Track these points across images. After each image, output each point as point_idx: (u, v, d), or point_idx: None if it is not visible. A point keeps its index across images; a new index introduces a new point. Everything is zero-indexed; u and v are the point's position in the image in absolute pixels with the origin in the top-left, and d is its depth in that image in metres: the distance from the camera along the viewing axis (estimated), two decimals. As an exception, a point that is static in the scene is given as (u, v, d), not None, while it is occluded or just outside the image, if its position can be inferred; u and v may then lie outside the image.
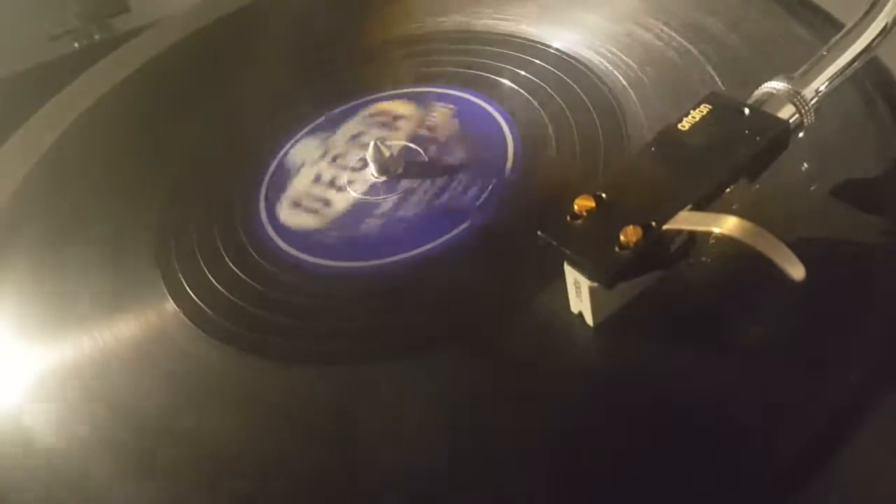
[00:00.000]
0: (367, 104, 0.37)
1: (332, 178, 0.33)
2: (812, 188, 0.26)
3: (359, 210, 0.31)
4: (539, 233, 0.23)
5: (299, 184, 0.34)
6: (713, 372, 0.22)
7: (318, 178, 0.34)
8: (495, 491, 0.21)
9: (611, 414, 0.22)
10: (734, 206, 0.23)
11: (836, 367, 0.21)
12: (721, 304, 0.24)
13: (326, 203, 0.32)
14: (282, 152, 0.36)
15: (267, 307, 0.29)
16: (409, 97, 0.37)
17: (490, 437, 0.22)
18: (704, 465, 0.20)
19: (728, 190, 0.23)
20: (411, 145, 0.34)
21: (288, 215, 0.32)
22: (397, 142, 0.34)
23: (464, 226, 0.29)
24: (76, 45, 0.53)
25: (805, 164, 0.26)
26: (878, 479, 0.20)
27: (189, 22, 0.48)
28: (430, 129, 0.34)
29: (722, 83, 0.30)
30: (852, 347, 0.22)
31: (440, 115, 0.35)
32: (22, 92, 0.49)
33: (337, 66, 0.41)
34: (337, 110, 0.37)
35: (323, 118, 0.37)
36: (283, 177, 0.35)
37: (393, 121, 0.36)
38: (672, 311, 0.24)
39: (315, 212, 0.32)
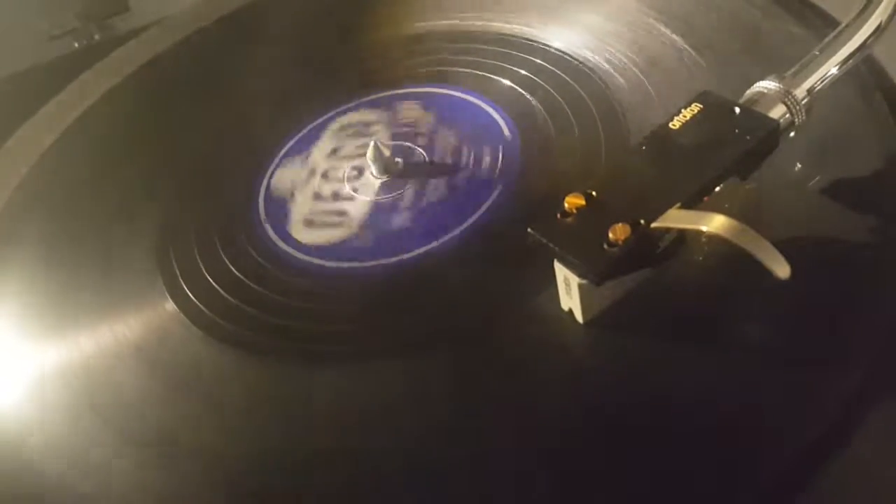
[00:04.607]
0: (377, 103, 0.38)
1: (335, 191, 0.34)
2: (810, 184, 0.26)
3: (360, 208, 0.33)
4: (529, 230, 0.24)
5: (302, 206, 0.34)
6: (706, 371, 0.23)
7: (318, 196, 0.34)
8: (494, 489, 0.22)
9: (605, 412, 0.23)
10: (726, 205, 0.24)
11: (836, 367, 0.22)
12: (715, 303, 0.25)
13: (342, 213, 0.33)
14: (288, 147, 0.37)
15: (266, 307, 0.30)
16: (371, 105, 0.38)
17: (487, 436, 0.23)
18: (703, 465, 0.21)
19: (718, 189, 0.24)
20: (401, 143, 0.35)
21: (307, 235, 0.33)
22: (404, 141, 0.35)
23: (497, 192, 0.31)
24: (76, 45, 0.54)
25: (798, 164, 0.27)
26: (878, 479, 0.21)
27: (189, 22, 0.49)
28: (407, 125, 0.36)
29: (721, 82, 0.30)
30: (852, 347, 0.22)
31: (409, 110, 0.36)
32: (22, 92, 0.50)
33: (336, 66, 0.42)
34: (343, 108, 0.39)
35: (332, 114, 0.38)
36: (280, 203, 0.35)
37: (365, 128, 0.37)
38: (664, 308, 0.25)
39: (336, 225, 0.33)
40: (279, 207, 0.35)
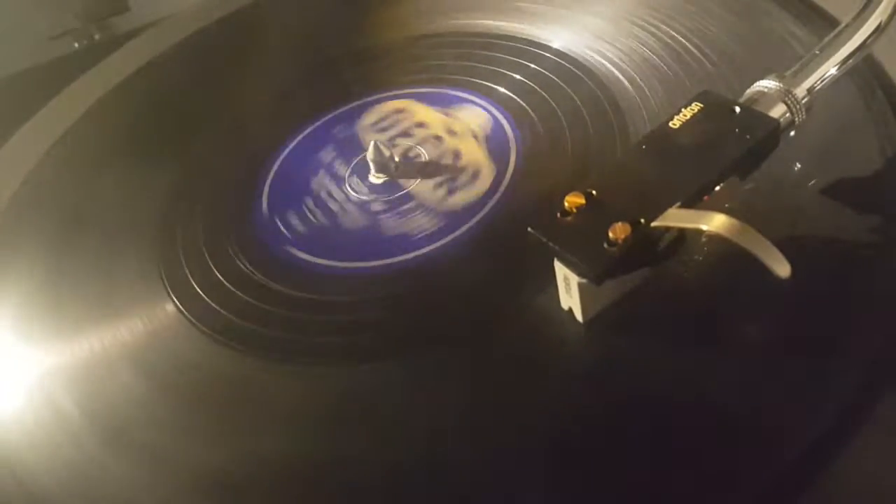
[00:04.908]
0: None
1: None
2: (810, 184, 0.27)
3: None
4: (529, 229, 0.24)
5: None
6: (706, 371, 0.23)
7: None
8: (494, 489, 0.22)
9: (604, 412, 0.23)
10: (726, 205, 0.24)
11: (836, 367, 0.22)
12: (715, 303, 0.25)
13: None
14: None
15: (267, 307, 0.30)
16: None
17: (487, 435, 0.23)
18: (703, 465, 0.21)
19: (718, 188, 0.24)
20: (401, 143, 0.35)
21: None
22: (405, 141, 0.35)
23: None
24: (76, 45, 0.54)
25: (798, 164, 0.27)
26: (879, 479, 0.21)
27: (189, 22, 0.49)
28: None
29: (721, 82, 0.31)
30: (852, 347, 0.22)
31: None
32: (22, 92, 0.50)
33: (336, 66, 0.42)
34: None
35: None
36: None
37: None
38: (664, 308, 0.25)
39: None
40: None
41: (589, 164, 0.31)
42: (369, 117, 0.38)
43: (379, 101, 0.38)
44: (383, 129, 0.37)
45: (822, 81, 0.26)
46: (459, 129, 0.35)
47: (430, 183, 0.33)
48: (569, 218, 0.24)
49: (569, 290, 0.24)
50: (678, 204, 0.23)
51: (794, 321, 0.24)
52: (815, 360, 0.23)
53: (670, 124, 0.25)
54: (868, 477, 0.21)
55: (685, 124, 0.25)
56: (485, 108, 0.36)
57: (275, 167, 0.37)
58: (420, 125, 0.36)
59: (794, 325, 0.24)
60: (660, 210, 0.23)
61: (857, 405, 0.21)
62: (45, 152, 0.42)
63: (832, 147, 0.28)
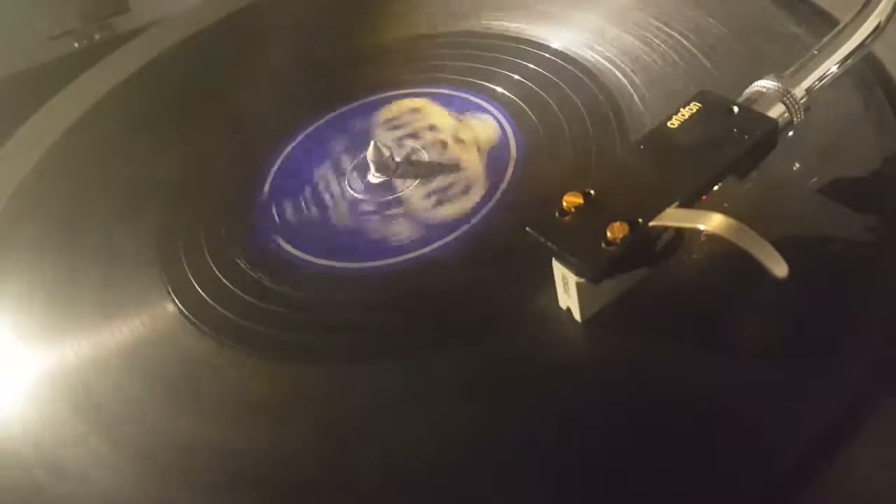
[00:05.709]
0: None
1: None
2: (809, 184, 0.27)
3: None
4: (527, 229, 0.24)
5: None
6: (706, 370, 0.23)
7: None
8: (493, 489, 0.22)
9: (603, 412, 0.23)
10: (724, 205, 0.24)
11: (836, 367, 0.22)
12: (714, 302, 0.25)
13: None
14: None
15: (267, 307, 0.30)
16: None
17: (486, 435, 0.23)
18: (703, 465, 0.21)
19: (716, 188, 0.24)
20: (401, 143, 0.35)
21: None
22: (405, 141, 0.35)
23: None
24: (76, 45, 0.55)
25: (797, 164, 0.27)
26: (878, 479, 0.21)
27: (189, 22, 0.49)
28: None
29: (721, 82, 0.31)
30: (852, 347, 0.23)
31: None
32: (22, 92, 0.50)
33: (336, 66, 0.42)
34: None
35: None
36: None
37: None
38: (662, 307, 0.25)
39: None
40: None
41: (587, 164, 0.31)
42: (368, 117, 0.38)
43: (378, 101, 0.38)
44: (382, 129, 0.37)
45: (820, 81, 0.26)
46: (458, 128, 0.35)
47: (429, 182, 0.33)
48: (567, 217, 0.24)
49: (567, 289, 0.24)
50: (676, 204, 0.23)
51: (794, 321, 0.24)
52: (814, 359, 0.23)
53: (669, 124, 0.25)
54: (868, 477, 0.21)
55: (683, 124, 0.25)
56: (484, 107, 0.36)
57: (276, 167, 0.37)
58: (419, 125, 0.36)
59: (793, 325, 0.24)
60: (658, 210, 0.23)
61: (857, 405, 0.21)
62: (45, 152, 0.42)
63: (831, 147, 0.28)
